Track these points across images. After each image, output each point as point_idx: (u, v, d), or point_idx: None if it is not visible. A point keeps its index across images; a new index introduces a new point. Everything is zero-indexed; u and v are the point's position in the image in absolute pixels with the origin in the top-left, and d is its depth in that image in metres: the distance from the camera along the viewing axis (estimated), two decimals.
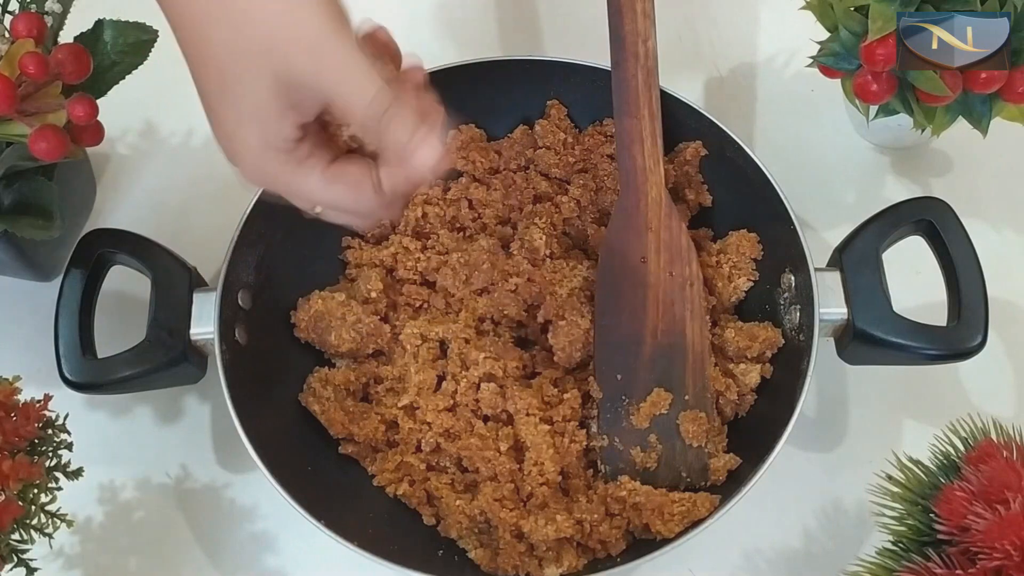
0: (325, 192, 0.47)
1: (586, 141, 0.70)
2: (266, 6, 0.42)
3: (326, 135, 0.48)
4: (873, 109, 0.64)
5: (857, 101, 0.64)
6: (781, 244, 0.63)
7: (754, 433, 0.61)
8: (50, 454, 0.54)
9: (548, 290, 0.63)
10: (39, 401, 0.52)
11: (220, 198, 0.73)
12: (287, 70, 0.42)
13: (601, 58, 0.65)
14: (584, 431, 0.61)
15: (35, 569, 0.52)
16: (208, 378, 0.62)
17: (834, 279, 0.60)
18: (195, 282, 0.61)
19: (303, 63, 0.42)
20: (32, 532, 0.52)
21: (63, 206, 0.61)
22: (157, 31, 0.62)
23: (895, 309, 0.59)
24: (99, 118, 0.59)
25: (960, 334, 0.58)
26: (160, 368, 0.59)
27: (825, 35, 0.64)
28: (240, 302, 0.62)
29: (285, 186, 0.47)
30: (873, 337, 0.59)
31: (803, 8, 0.64)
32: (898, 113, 0.64)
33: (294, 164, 0.45)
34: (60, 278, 0.61)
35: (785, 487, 0.62)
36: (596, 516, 0.57)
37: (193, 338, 0.59)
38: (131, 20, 0.62)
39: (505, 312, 0.63)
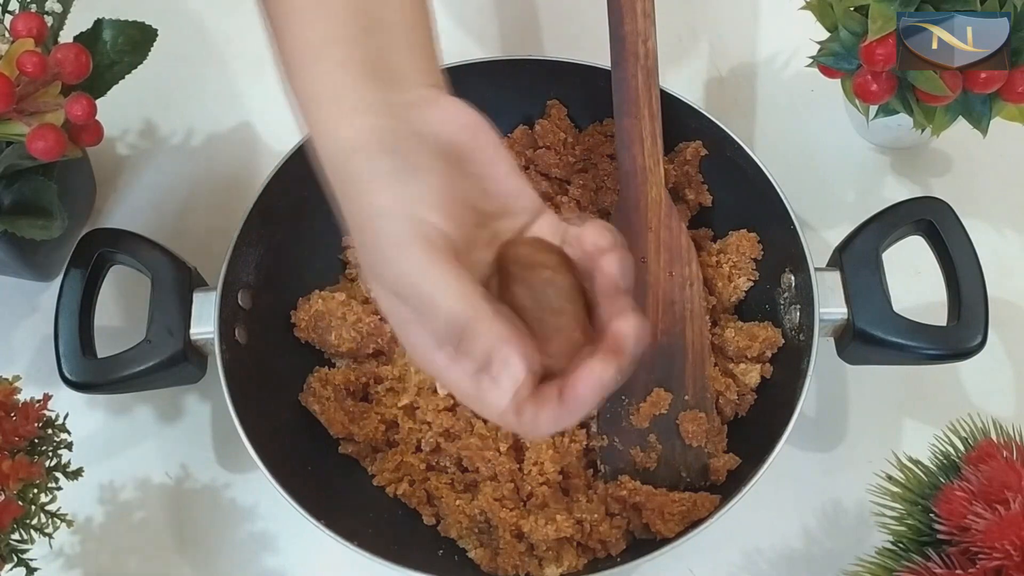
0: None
1: (586, 141, 0.70)
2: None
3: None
4: (873, 109, 0.64)
5: (857, 101, 0.64)
6: (781, 244, 0.63)
7: (754, 433, 0.61)
8: (50, 454, 0.54)
9: None
10: (39, 401, 0.52)
11: (220, 198, 0.73)
12: None
13: (601, 58, 0.65)
14: (584, 431, 0.61)
15: (35, 569, 0.52)
16: (208, 378, 0.62)
17: (834, 279, 0.60)
18: (195, 282, 0.61)
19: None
20: (32, 532, 0.52)
21: (63, 206, 0.61)
22: (157, 31, 0.62)
23: (895, 309, 0.59)
24: (99, 118, 0.59)
25: (960, 334, 0.58)
26: (160, 368, 0.59)
27: (825, 35, 0.64)
28: (240, 302, 0.62)
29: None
30: (873, 337, 0.59)
31: (803, 8, 0.64)
32: (898, 113, 0.64)
33: None
34: (60, 278, 0.61)
35: (785, 487, 0.62)
36: (596, 516, 0.57)
37: (193, 338, 0.59)
38: (131, 20, 0.62)
39: None
